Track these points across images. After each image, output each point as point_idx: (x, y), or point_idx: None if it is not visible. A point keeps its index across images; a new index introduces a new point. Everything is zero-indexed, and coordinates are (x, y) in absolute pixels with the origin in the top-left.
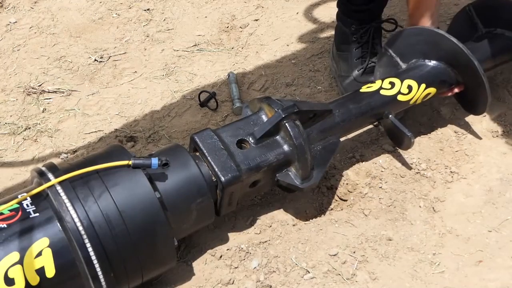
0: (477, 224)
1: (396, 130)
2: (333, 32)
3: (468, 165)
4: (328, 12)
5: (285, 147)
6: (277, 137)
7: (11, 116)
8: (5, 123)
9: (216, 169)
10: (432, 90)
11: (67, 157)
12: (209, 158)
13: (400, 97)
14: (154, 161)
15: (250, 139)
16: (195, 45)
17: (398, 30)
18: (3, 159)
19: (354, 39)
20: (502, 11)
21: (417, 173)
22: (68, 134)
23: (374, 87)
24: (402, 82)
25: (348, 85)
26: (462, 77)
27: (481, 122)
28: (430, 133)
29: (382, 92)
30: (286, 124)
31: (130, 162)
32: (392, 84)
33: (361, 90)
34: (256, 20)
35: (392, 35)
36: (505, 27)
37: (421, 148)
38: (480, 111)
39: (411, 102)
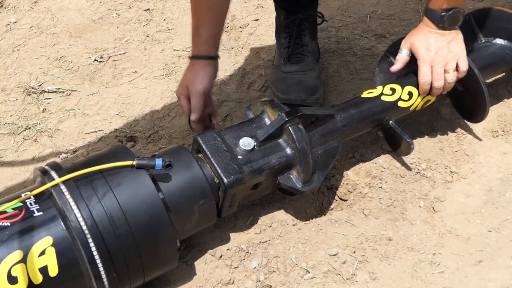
0: (477, 224)
1: (396, 135)
2: (331, 32)
3: (468, 165)
4: (328, 12)
5: (288, 150)
6: (280, 140)
7: (11, 116)
8: (5, 123)
9: (219, 171)
10: (432, 97)
11: (67, 157)
12: (212, 159)
13: (400, 103)
14: (158, 162)
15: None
16: None
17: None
18: (3, 159)
19: (283, 29)
20: (501, 21)
21: (417, 173)
22: (68, 134)
23: (375, 92)
24: (403, 88)
25: (272, 74)
26: (461, 85)
27: (481, 122)
28: (430, 133)
29: (383, 98)
30: (289, 127)
31: (134, 163)
32: (393, 90)
33: (362, 96)
34: (256, 20)
35: (393, 42)
36: (504, 37)
37: (421, 148)
38: (478, 119)
39: (411, 108)
